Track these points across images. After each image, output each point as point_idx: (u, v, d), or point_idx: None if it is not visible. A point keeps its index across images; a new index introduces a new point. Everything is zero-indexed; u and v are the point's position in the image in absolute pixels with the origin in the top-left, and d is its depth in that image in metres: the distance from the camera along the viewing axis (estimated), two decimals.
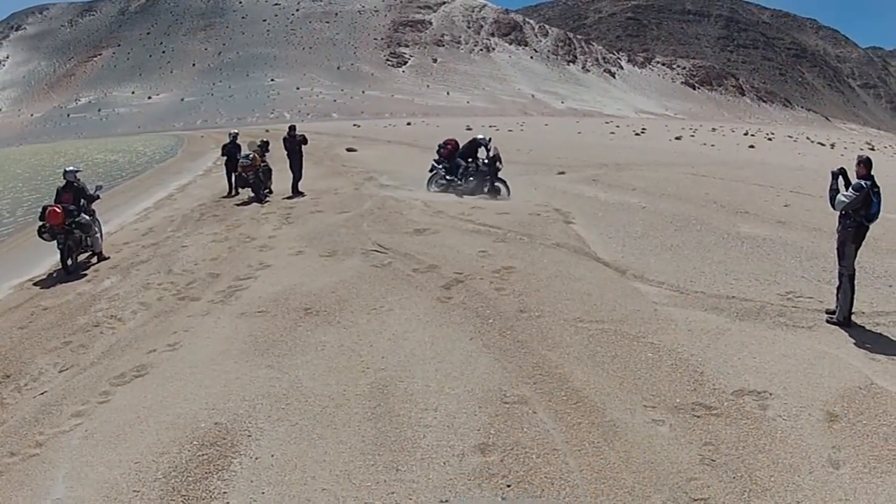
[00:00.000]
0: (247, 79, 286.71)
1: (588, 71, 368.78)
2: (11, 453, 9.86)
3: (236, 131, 36.26)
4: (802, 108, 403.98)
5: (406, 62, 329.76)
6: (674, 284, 16.15)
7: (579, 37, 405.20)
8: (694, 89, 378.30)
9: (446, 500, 8.16)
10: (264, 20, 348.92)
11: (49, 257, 21.70)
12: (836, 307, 13.61)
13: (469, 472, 8.69)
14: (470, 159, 29.48)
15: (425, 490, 8.39)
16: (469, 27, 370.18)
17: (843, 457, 8.94)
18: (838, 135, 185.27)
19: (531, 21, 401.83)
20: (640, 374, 11.34)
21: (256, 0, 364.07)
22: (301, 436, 9.67)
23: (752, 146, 76.64)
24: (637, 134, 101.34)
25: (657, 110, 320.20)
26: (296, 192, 31.30)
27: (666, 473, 8.59)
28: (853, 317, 13.53)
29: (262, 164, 31.40)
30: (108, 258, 21.45)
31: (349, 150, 58.18)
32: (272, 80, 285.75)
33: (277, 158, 33.23)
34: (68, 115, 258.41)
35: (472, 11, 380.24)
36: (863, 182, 13.14)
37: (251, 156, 30.75)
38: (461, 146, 30.27)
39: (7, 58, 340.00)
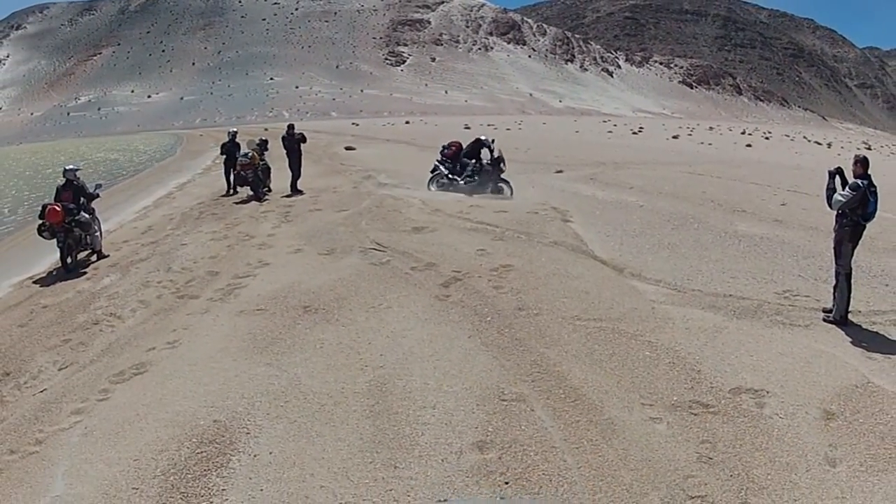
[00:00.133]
0: (246, 78, 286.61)
1: (586, 70, 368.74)
2: (11, 451, 9.87)
3: (235, 130, 36.28)
4: (799, 107, 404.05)
5: (405, 61, 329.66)
6: (671, 283, 16.17)
7: (577, 36, 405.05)
8: (691, 88, 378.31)
9: (445, 500, 8.16)
10: (263, 19, 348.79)
11: (49, 255, 21.70)
12: (833, 306, 13.62)
13: (467, 469, 8.69)
14: (474, 160, 29.53)
15: (423, 487, 8.39)
16: (467, 26, 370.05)
17: (839, 455, 8.95)
18: (835, 134, 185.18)
19: (529, 20, 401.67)
20: (637, 371, 11.35)
21: None
22: (299, 433, 9.67)
23: (749, 145, 76.69)
24: (634, 133, 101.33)
25: (655, 109, 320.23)
26: (294, 191, 31.31)
27: (663, 471, 8.59)
28: (850, 315, 13.54)
29: (261, 163, 31.43)
30: (108, 256, 21.46)
31: (348, 148, 58.18)
32: (271, 78, 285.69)
33: (276, 157, 33.21)
34: (68, 114, 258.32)
35: (471, 11, 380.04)
36: (859, 181, 13.15)
37: (250, 154, 30.76)
38: (465, 146, 30.33)
39: (7, 56, 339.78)
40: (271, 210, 27.39)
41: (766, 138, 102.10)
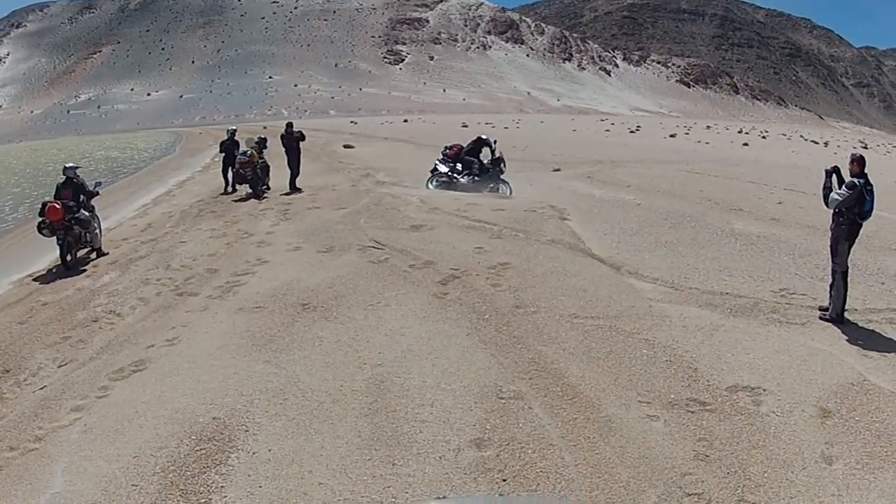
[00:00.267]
0: (245, 76, 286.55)
1: (584, 69, 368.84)
2: (11, 447, 9.87)
3: (234, 128, 36.16)
4: (796, 106, 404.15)
5: (403, 60, 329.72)
6: (668, 281, 16.16)
7: (575, 35, 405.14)
8: (689, 87, 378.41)
9: (444, 496, 8.16)
10: (263, 18, 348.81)
11: (48, 253, 21.68)
12: (830, 304, 13.62)
13: (465, 466, 8.70)
14: (474, 159, 29.58)
15: (421, 484, 8.39)
16: (466, 25, 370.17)
17: (835, 452, 8.95)
18: (832, 133, 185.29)
19: (527, 19, 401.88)
20: (634, 369, 11.35)
21: None
22: (298, 431, 9.68)
23: (746, 144, 76.72)
24: (632, 131, 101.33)
25: (652, 108, 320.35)
26: (293, 189, 31.29)
27: (660, 468, 8.59)
28: (846, 314, 13.55)
29: (260, 161, 31.39)
30: (107, 254, 21.46)
31: (346, 146, 58.22)
32: (270, 77, 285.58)
33: (275, 155, 33.20)
34: (68, 112, 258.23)
35: (469, 10, 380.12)
36: (856, 180, 13.15)
37: (249, 152, 30.71)
38: (467, 143, 30.43)
39: (8, 55, 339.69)
40: (270, 208, 27.39)
41: (763, 137, 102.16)
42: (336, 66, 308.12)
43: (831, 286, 13.64)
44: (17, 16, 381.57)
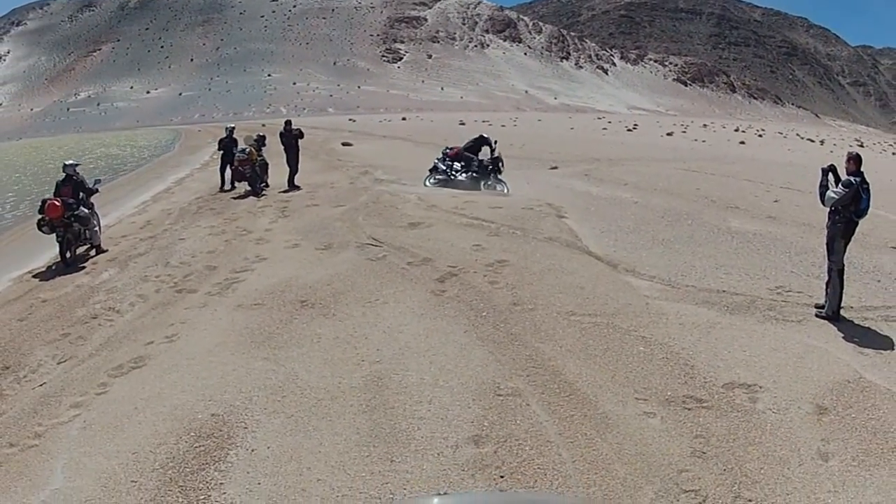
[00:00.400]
0: (244, 74, 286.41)
1: (581, 67, 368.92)
2: (11, 444, 9.86)
3: (233, 125, 36.05)
4: (793, 105, 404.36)
5: (401, 58, 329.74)
6: (665, 278, 16.17)
7: (573, 34, 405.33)
8: (685, 86, 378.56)
9: (444, 492, 8.16)
10: (262, 16, 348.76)
11: (48, 250, 21.64)
12: (826, 301, 13.65)
13: (463, 463, 8.70)
14: (473, 157, 29.66)
15: (419, 481, 8.40)
16: (464, 24, 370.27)
17: (832, 449, 8.97)
18: (828, 131, 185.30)
19: (525, 18, 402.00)
20: (631, 366, 11.36)
21: None
22: (297, 428, 9.67)
23: (742, 142, 76.76)
24: (629, 130, 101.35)
25: (649, 107, 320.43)
26: (292, 186, 31.25)
27: (657, 465, 8.60)
28: (842, 311, 13.58)
29: (259, 159, 31.34)
30: (107, 251, 21.42)
31: (345, 144, 58.21)
32: (269, 75, 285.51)
33: (274, 153, 33.18)
34: (68, 110, 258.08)
35: (467, 8, 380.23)
36: (852, 178, 13.18)
37: (248, 150, 30.69)
38: (468, 141, 30.60)
39: (8, 53, 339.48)
40: (269, 205, 27.37)
41: (760, 136, 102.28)
42: (335, 64, 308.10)
43: (827, 284, 13.67)
44: (17, 14, 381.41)
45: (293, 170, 31.56)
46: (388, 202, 25.82)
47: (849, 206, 13.26)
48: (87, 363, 12.77)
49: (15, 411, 11.03)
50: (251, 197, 29.73)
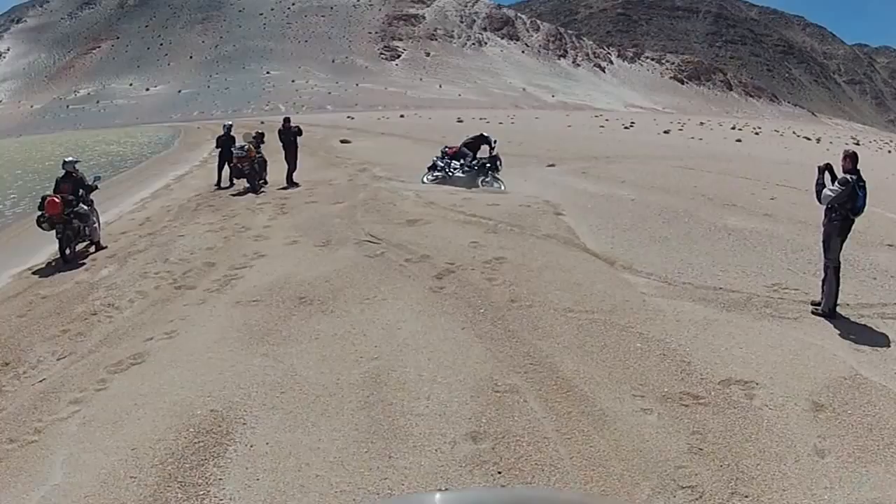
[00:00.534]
0: (243, 71, 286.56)
1: (578, 65, 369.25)
2: (10, 440, 9.86)
3: (230, 123, 36.08)
4: (789, 103, 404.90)
5: (399, 56, 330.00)
6: (662, 275, 16.17)
7: (570, 32, 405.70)
8: (682, 84, 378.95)
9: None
10: (261, 14, 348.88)
11: (48, 246, 21.62)
12: (822, 299, 13.66)
13: (460, 459, 8.70)
14: (472, 154, 29.73)
15: (417, 477, 8.40)
16: (462, 22, 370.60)
17: (828, 446, 8.97)
18: (824, 129, 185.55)
19: (523, 16, 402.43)
20: (628, 363, 11.36)
21: None
22: (295, 424, 9.67)
23: (739, 140, 76.81)
24: (626, 127, 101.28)
25: (646, 104, 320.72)
26: (290, 183, 31.26)
27: (654, 461, 8.60)
28: (838, 308, 13.59)
29: (258, 156, 31.31)
30: (106, 247, 21.41)
31: (343, 141, 58.15)
32: (268, 72, 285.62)
33: (273, 150, 33.14)
34: (68, 107, 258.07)
35: (465, 6, 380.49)
36: (848, 176, 13.20)
37: (246, 147, 30.68)
38: (469, 137, 30.74)
39: (8, 50, 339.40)
40: (267, 202, 27.35)
41: (756, 133, 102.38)
42: (333, 61, 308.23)
43: (824, 281, 13.68)
44: (17, 11, 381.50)
45: (292, 167, 31.59)
46: (386, 199, 25.82)
47: (845, 204, 13.27)
48: (86, 359, 12.76)
49: (15, 407, 11.02)
50: (250, 194, 29.72)
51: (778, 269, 16.60)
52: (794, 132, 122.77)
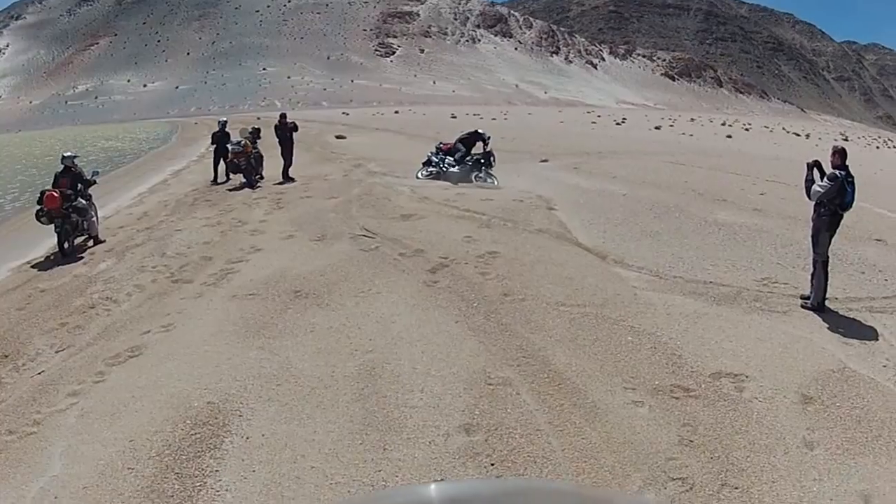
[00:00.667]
0: (239, 68, 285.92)
1: (571, 62, 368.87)
2: (10, 431, 9.85)
3: (225, 119, 35.92)
4: (779, 99, 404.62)
5: (394, 52, 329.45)
6: (653, 269, 16.19)
7: (562, 29, 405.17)
8: (673, 80, 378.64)
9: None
10: (257, 11, 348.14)
11: (46, 240, 21.59)
12: (811, 293, 13.69)
13: (454, 451, 8.70)
14: (466, 150, 29.74)
15: (411, 469, 8.40)
16: (455, 19, 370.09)
17: (817, 438, 8.99)
18: (813, 126, 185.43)
19: (516, 13, 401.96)
20: (620, 356, 11.37)
21: None
22: (291, 416, 9.67)
23: (729, 136, 76.85)
24: (618, 123, 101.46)
25: (637, 101, 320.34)
26: (286, 178, 31.24)
27: (645, 453, 8.61)
28: (827, 302, 13.62)
29: (254, 151, 31.29)
30: (104, 241, 21.39)
31: (338, 137, 58.02)
32: (264, 69, 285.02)
33: (269, 145, 33.13)
34: (66, 103, 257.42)
35: (459, 4, 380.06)
36: (837, 172, 13.23)
37: (243, 143, 30.66)
38: (463, 133, 30.78)
39: (7, 46, 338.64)
40: (263, 197, 27.33)
41: (746, 129, 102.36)
42: (328, 58, 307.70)
43: (812, 275, 13.70)
44: (16, 7, 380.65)
45: (287, 162, 31.55)
46: (381, 194, 25.83)
47: (834, 200, 13.30)
48: (84, 352, 12.75)
49: (14, 399, 11.01)
50: (246, 189, 29.68)
51: (767, 264, 16.62)
52: (783, 128, 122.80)
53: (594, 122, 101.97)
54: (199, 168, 40.66)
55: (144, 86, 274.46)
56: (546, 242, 18.57)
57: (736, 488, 8.02)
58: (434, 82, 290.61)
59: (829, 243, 13.63)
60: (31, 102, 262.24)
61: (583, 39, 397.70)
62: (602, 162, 37.63)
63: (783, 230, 19.81)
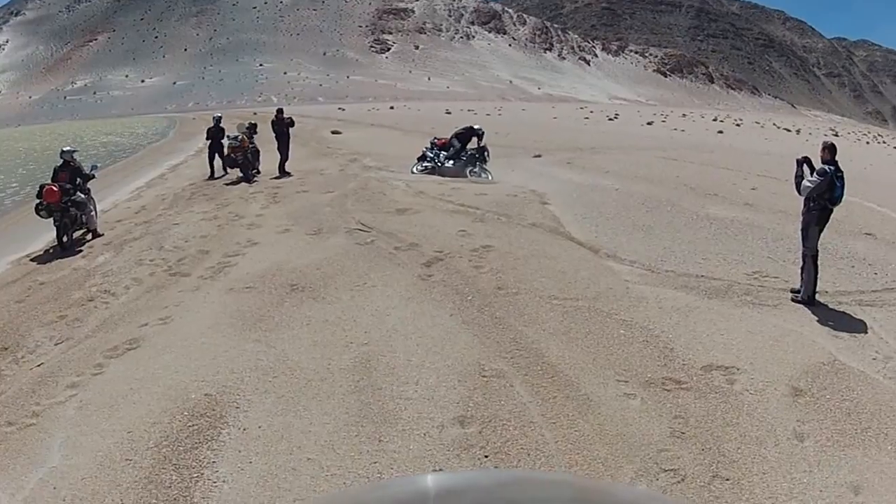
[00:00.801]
0: (236, 63, 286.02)
1: (564, 58, 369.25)
2: (9, 423, 9.84)
3: (220, 115, 35.84)
4: (770, 95, 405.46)
5: (389, 49, 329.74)
6: (645, 263, 16.19)
7: (556, 26, 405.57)
8: (665, 77, 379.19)
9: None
10: (254, 7, 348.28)
11: (45, 234, 21.55)
12: (801, 286, 13.69)
13: (448, 443, 8.70)
14: (460, 145, 29.77)
15: (406, 460, 8.40)
16: (450, 15, 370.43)
17: (807, 430, 9.00)
18: (804, 121, 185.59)
19: (510, 10, 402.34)
20: (612, 349, 11.37)
21: None
22: (287, 407, 9.67)
23: (720, 132, 76.71)
24: (610, 119, 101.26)
25: (630, 97, 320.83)
26: (283, 173, 31.23)
27: (638, 445, 8.61)
28: (817, 296, 13.63)
29: (251, 146, 31.33)
30: (103, 235, 21.36)
31: (334, 132, 58.06)
32: (261, 64, 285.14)
33: (265, 140, 33.13)
34: (65, 98, 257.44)
35: (454, 0, 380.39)
36: (826, 167, 13.25)
37: (240, 137, 30.66)
38: (458, 129, 30.79)
39: (7, 42, 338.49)
40: (260, 191, 27.31)
41: (738, 125, 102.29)
42: (324, 54, 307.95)
43: (802, 269, 13.71)
44: (16, 4, 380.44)
45: (284, 157, 31.59)
46: (376, 189, 25.82)
47: (823, 194, 13.32)
48: (83, 344, 12.74)
49: (13, 391, 10.99)
50: (243, 183, 29.65)
51: (758, 258, 16.63)
52: (774, 124, 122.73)
53: (587, 118, 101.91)
54: (197, 163, 40.61)
55: (142, 81, 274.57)
56: (539, 236, 18.57)
57: (727, 480, 8.03)
58: (429, 78, 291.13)
59: (819, 237, 13.66)
60: (30, 97, 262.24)
61: (576, 36, 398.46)
62: (595, 157, 37.62)
63: (774, 224, 19.81)
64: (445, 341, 11.69)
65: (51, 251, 20.13)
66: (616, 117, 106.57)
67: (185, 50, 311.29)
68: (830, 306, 13.51)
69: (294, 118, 33.02)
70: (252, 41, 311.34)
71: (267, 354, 11.42)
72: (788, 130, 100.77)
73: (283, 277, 15.45)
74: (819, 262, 13.69)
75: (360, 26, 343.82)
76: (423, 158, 30.34)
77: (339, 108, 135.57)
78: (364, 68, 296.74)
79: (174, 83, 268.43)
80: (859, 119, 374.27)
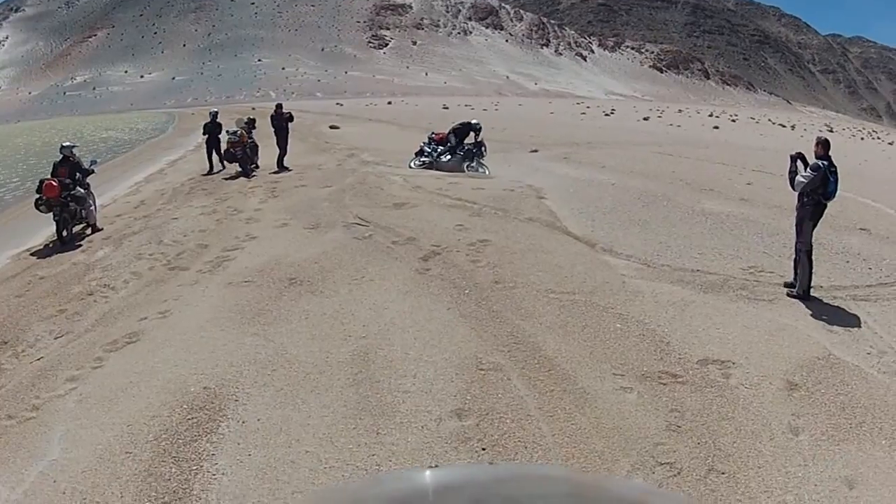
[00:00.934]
0: (235, 59, 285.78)
1: (560, 54, 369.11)
2: (9, 416, 9.83)
3: (216, 110, 35.78)
4: (765, 91, 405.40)
5: (387, 44, 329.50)
6: (641, 258, 16.20)
7: (553, 22, 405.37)
8: (661, 73, 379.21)
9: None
10: (252, 3, 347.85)
11: (45, 228, 21.54)
12: (796, 281, 13.71)
13: (446, 436, 8.70)
14: (458, 140, 29.76)
15: (404, 453, 8.40)
16: (447, 11, 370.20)
17: (802, 424, 9.01)
18: (799, 117, 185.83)
19: (507, 6, 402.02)
20: (609, 343, 11.38)
21: None
22: (286, 401, 9.66)
23: (716, 127, 76.85)
24: (607, 114, 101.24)
25: (626, 92, 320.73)
26: (281, 168, 31.25)
27: (634, 438, 8.62)
28: (812, 290, 13.65)
29: (249, 141, 31.34)
30: (102, 229, 21.34)
31: (332, 127, 58.00)
32: (259, 60, 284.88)
33: (264, 135, 33.13)
34: (64, 93, 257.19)
35: None
36: (820, 162, 13.27)
37: (239, 132, 30.67)
38: (456, 124, 30.76)
39: (7, 38, 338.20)
40: (259, 186, 27.32)
41: (733, 121, 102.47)
42: (322, 50, 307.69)
43: (797, 264, 13.72)
44: (16, 0, 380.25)
45: (282, 152, 31.58)
46: (374, 183, 25.83)
47: (817, 190, 13.34)
48: (83, 338, 12.73)
49: (13, 384, 10.99)
50: (242, 178, 29.66)
51: (754, 252, 16.66)
52: (769, 119, 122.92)
53: (583, 113, 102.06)
54: (196, 157, 40.56)
55: (141, 77, 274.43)
56: (536, 231, 18.57)
57: (722, 473, 8.04)
58: (426, 74, 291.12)
59: (813, 232, 13.67)
60: (30, 93, 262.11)
61: (572, 32, 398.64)
62: (591, 152, 37.67)
63: (769, 219, 19.84)
64: (443, 335, 11.69)
65: (50, 245, 20.13)
66: (612, 113, 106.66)
67: (184, 45, 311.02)
68: (825, 301, 13.54)
69: (292, 113, 32.96)
70: (250, 37, 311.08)
71: (265, 348, 11.42)
72: (783, 126, 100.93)
73: (281, 271, 15.44)
74: (814, 257, 13.72)
75: (358, 22, 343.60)
76: (420, 153, 30.34)
77: (338, 104, 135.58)
78: (362, 64, 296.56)
79: (173, 79, 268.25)
80: (854, 115, 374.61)
